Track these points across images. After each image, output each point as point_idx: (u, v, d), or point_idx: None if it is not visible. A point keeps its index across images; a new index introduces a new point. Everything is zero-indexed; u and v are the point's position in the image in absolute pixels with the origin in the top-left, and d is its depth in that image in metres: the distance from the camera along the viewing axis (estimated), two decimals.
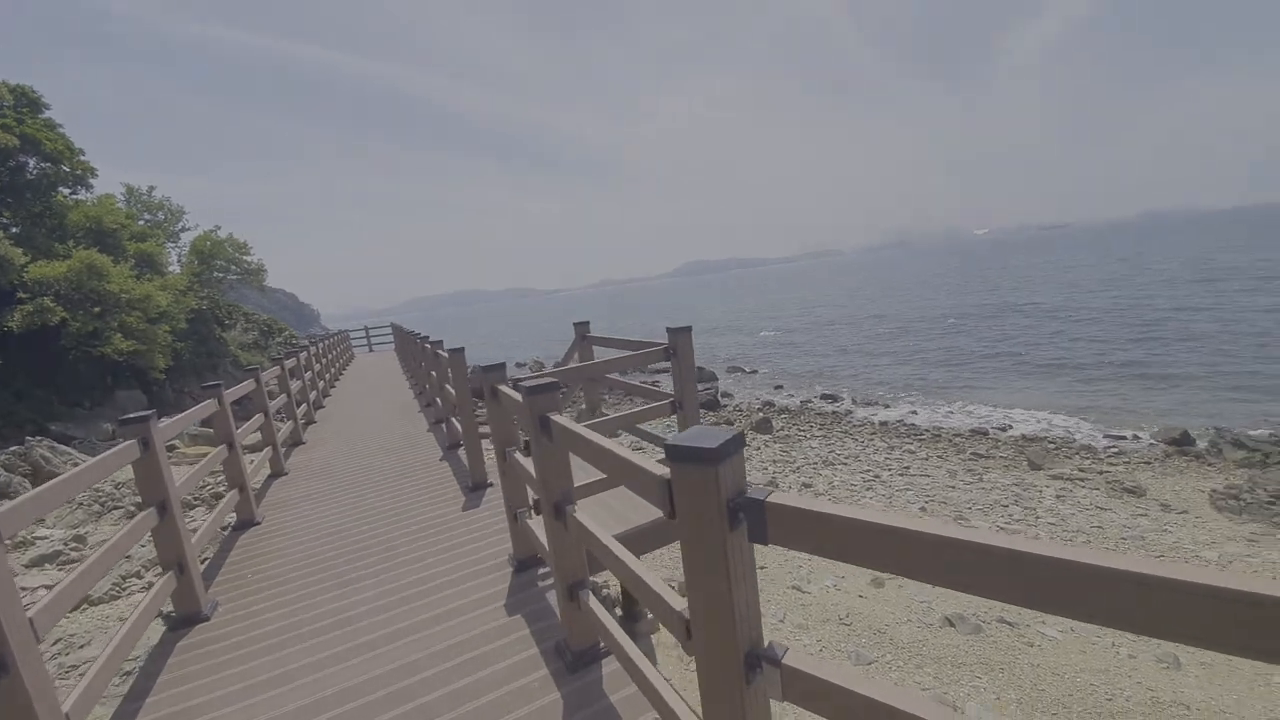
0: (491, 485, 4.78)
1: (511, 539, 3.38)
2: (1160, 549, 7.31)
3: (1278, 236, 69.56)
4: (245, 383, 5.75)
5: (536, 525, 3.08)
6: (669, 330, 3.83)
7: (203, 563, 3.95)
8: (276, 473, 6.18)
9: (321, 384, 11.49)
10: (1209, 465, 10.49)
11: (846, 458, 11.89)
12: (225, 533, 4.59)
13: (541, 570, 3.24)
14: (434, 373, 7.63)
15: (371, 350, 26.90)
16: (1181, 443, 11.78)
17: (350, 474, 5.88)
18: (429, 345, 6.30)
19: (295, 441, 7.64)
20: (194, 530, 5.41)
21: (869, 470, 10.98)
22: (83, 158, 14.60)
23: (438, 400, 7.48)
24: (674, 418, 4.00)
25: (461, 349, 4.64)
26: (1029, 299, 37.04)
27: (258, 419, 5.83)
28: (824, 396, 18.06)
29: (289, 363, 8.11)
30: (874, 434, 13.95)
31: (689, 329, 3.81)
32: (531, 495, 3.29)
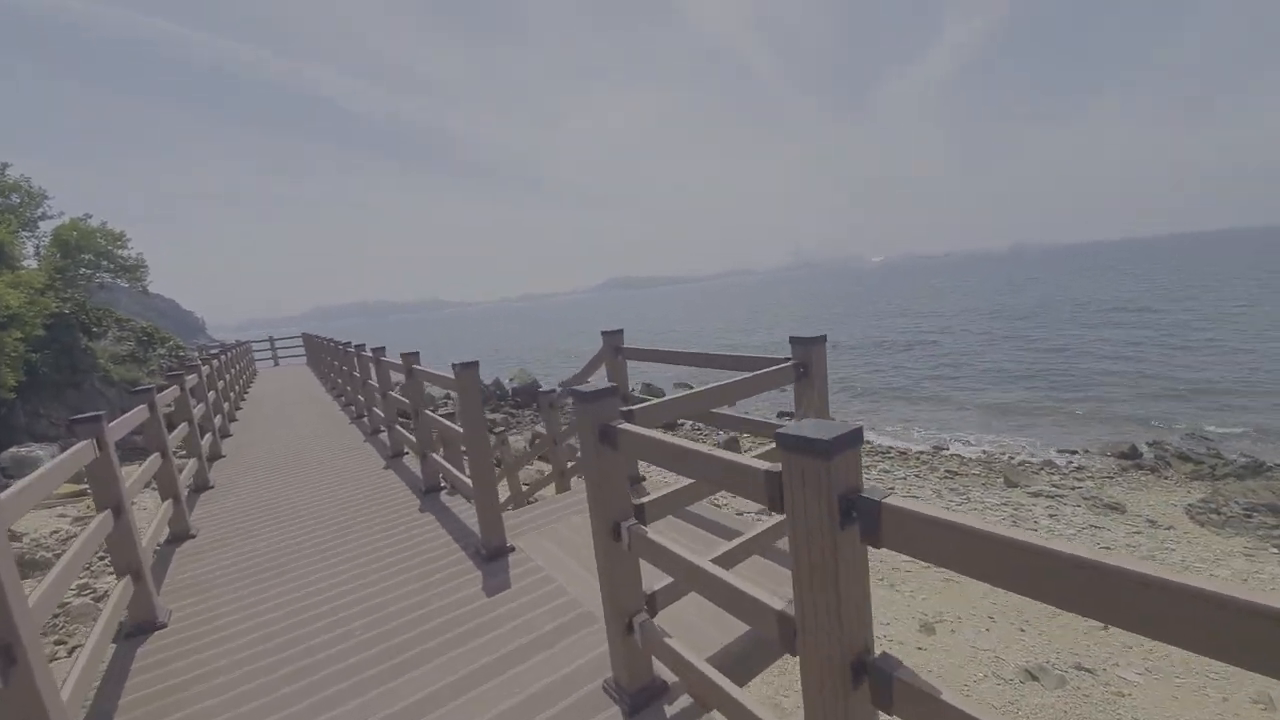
0: (514, 550, 3.52)
1: (614, 657, 2.21)
2: (1174, 568, 7.15)
3: (1134, 270, 79.13)
4: (135, 410, 4.10)
5: (675, 640, 1.95)
6: (795, 341, 2.83)
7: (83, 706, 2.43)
8: (179, 535, 4.50)
9: (226, 406, 9.42)
10: (1165, 479, 10.85)
11: None
12: (113, 646, 3.02)
13: (675, 708, 2.09)
14: (394, 393, 6.15)
15: (277, 364, 23.81)
16: (1130, 456, 12.25)
17: (290, 534, 4.34)
18: (400, 360, 4.86)
19: (201, 486, 5.85)
20: (61, 647, 3.73)
21: None
22: None
23: (400, 428, 5.99)
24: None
25: (475, 364, 3.39)
26: (940, 324, 39.48)
27: (153, 461, 4.19)
28: (781, 415, 17.68)
29: (190, 380, 6.29)
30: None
31: (823, 339, 2.84)
32: (655, 584, 2.15)
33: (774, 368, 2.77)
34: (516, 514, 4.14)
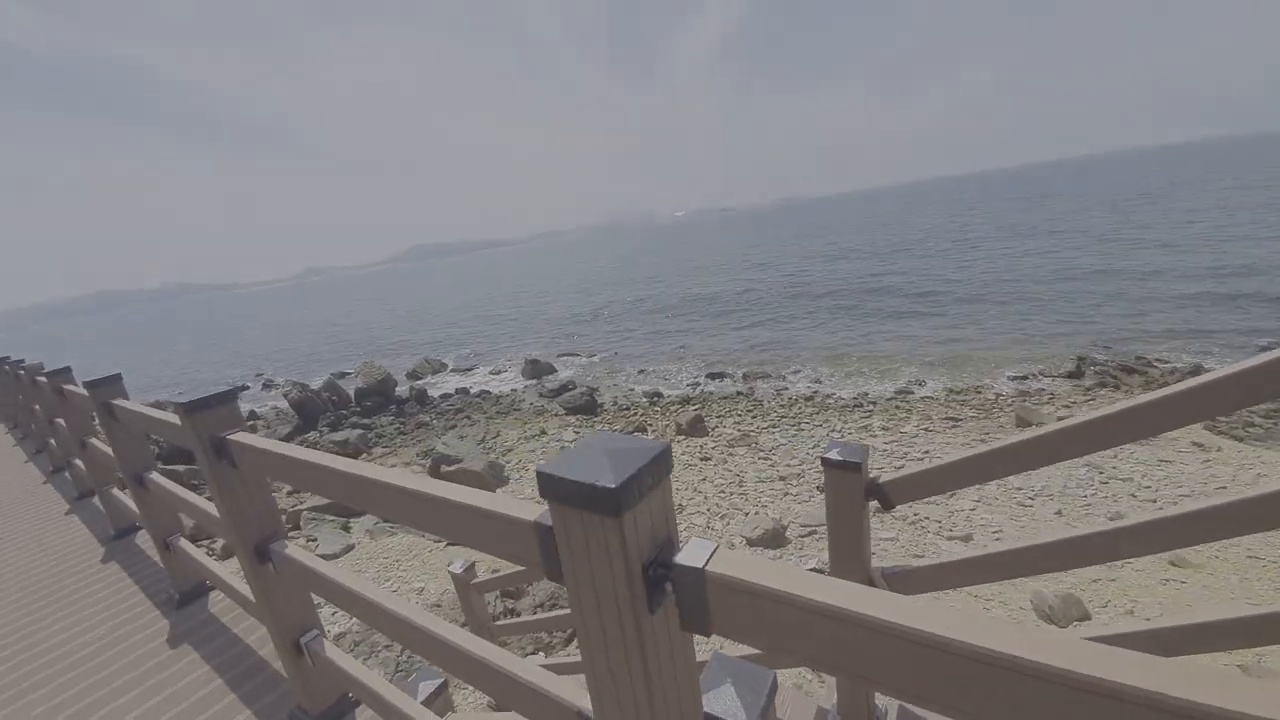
0: None
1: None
2: None
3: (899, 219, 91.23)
4: None
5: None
6: None
7: None
8: None
9: None
10: (1130, 394, 10.82)
11: None
12: None
13: None
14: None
15: None
16: (1076, 375, 12.20)
17: None
18: None
19: None
20: None
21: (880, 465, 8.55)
22: None
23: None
24: None
25: None
26: (763, 269, 40.47)
27: None
28: (711, 375, 15.36)
29: None
30: (834, 412, 11.64)
31: None
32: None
33: None
34: None
